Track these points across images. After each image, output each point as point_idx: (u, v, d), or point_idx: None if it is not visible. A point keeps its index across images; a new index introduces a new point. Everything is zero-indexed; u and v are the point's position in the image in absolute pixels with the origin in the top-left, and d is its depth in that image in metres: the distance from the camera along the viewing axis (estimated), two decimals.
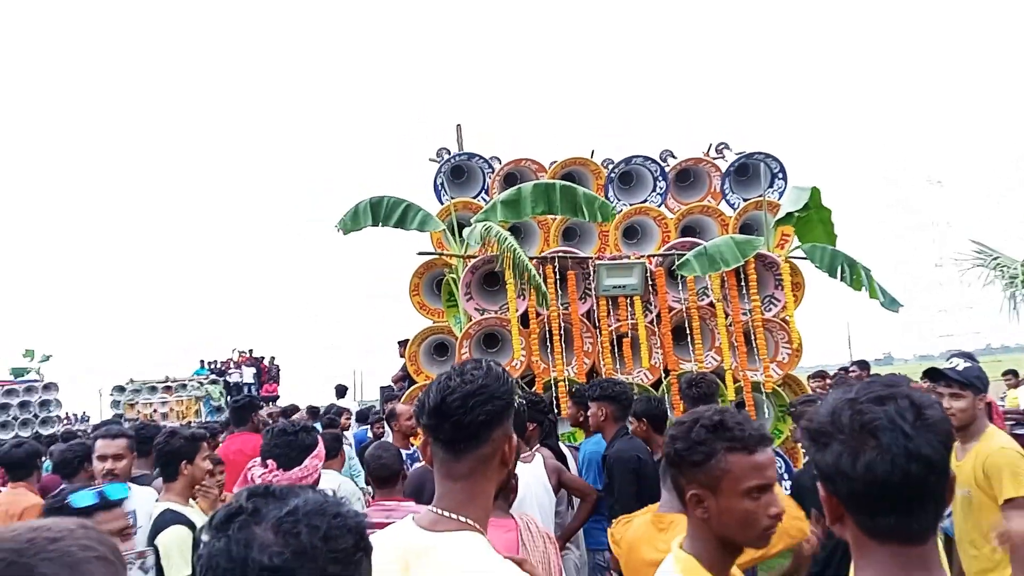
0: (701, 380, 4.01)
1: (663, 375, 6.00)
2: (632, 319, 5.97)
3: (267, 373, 20.66)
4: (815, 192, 5.77)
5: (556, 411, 5.35)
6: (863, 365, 9.80)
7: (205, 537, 0.94)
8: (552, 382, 5.74)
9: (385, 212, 5.72)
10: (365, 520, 1.02)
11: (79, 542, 0.88)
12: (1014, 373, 10.18)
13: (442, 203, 6.40)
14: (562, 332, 5.88)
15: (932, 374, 3.09)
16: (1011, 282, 10.08)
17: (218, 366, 20.57)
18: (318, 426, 6.30)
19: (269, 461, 2.72)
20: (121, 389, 19.21)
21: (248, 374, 20.22)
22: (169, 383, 19.16)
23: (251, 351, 21.01)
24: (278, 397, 18.79)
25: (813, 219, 5.97)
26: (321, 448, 2.83)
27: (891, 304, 6.03)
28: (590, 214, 5.62)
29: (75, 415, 20.31)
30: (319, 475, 2.77)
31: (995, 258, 10.59)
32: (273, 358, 20.86)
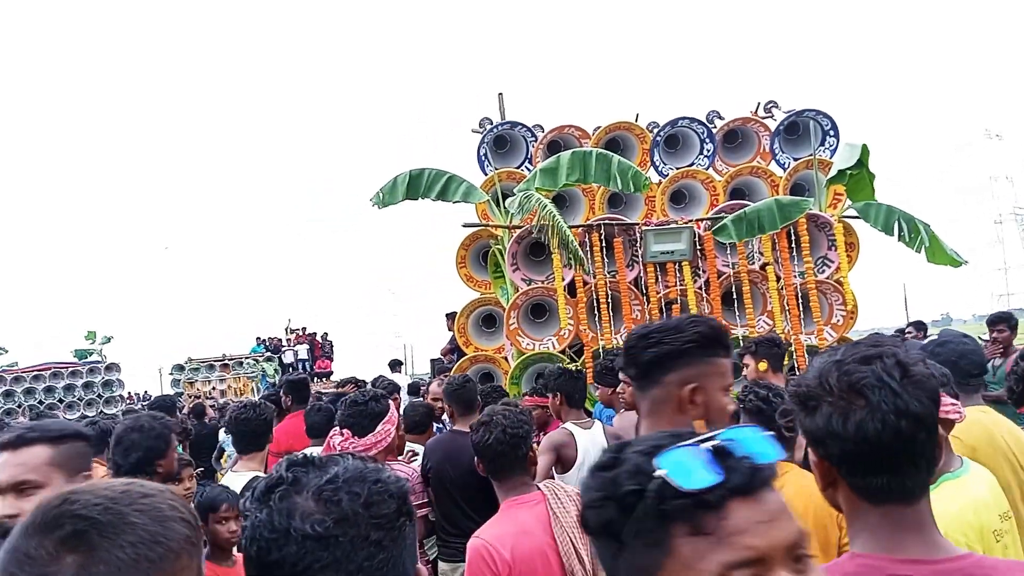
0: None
1: None
2: (681, 285, 5.90)
3: (320, 349, 21.06)
4: (864, 149, 5.58)
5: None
6: (919, 326, 9.47)
7: (247, 509, 0.95)
8: (601, 350, 5.72)
9: (426, 185, 5.73)
10: (408, 486, 1.02)
11: (168, 502, 0.91)
12: None
13: (486, 174, 6.39)
14: (609, 300, 5.86)
15: None
16: None
17: (273, 344, 21.06)
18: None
19: (344, 430, 2.82)
20: (180, 368, 19.88)
21: (302, 351, 20.65)
22: (226, 361, 19.73)
23: (304, 328, 21.45)
24: (331, 373, 19.16)
25: (865, 177, 5.78)
26: (393, 414, 2.92)
27: (955, 259, 5.83)
28: (623, 183, 5.53)
29: (137, 394, 21.11)
30: (392, 440, 2.85)
31: None
32: (326, 334, 21.26)
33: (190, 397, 16.81)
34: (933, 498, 2.09)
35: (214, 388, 18.86)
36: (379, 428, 2.80)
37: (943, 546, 1.11)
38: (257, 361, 19.73)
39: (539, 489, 2.53)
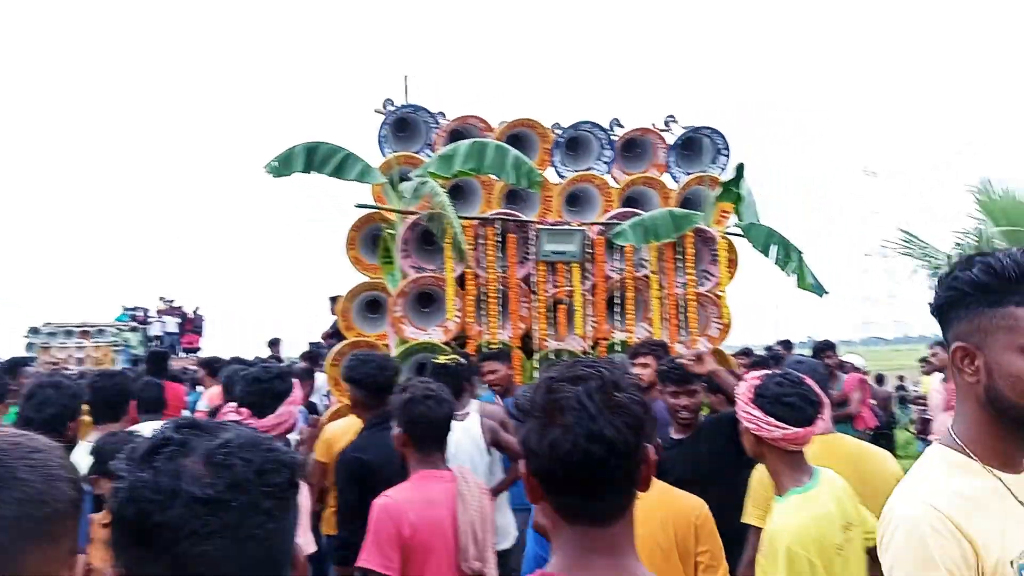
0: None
1: (592, 344, 6.04)
2: (569, 286, 5.97)
3: (190, 324, 20.10)
4: (739, 168, 5.84)
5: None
6: (787, 345, 10.12)
7: (122, 469, 0.88)
8: (485, 346, 5.69)
9: (321, 159, 5.51)
10: (299, 457, 1.02)
11: (58, 460, 0.88)
12: (928, 361, 10.63)
13: (384, 156, 6.22)
14: (499, 295, 5.84)
15: None
16: (935, 272, 10.51)
17: (141, 314, 19.88)
18: None
19: (242, 409, 2.64)
20: (35, 331, 18.36)
21: (171, 324, 19.66)
22: (86, 328, 18.38)
23: (173, 301, 20.38)
24: (199, 349, 18.31)
25: (748, 197, 6.05)
26: (296, 394, 2.76)
27: (817, 289, 6.18)
28: (516, 177, 5.55)
29: None
30: (295, 422, 2.72)
31: (922, 248, 11.02)
32: (197, 309, 20.26)
33: (46, 364, 15.55)
34: (778, 512, 2.19)
35: (71, 356, 17.53)
36: (281, 409, 2.66)
37: (633, 571, 1.12)
38: (121, 331, 18.52)
39: (450, 469, 2.60)
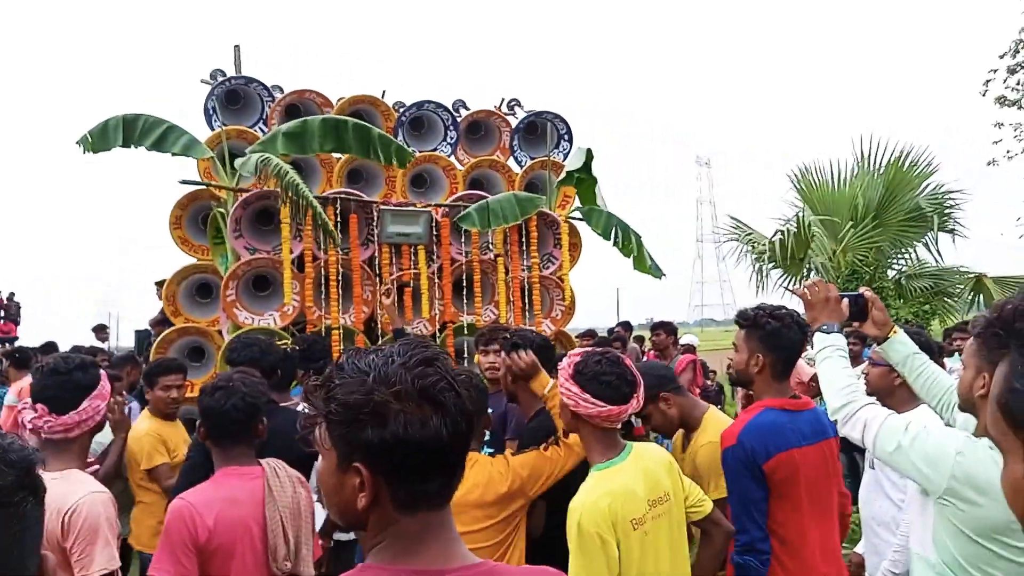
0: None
1: (440, 327, 5.98)
2: (415, 269, 5.86)
3: (5, 311, 18.18)
4: (589, 153, 5.98)
5: (330, 358, 5.12)
6: (627, 326, 10.60)
7: None
8: (326, 329, 5.48)
9: (141, 131, 5.08)
10: (37, 456, 0.85)
11: None
12: None
13: (213, 129, 5.81)
14: (340, 278, 5.64)
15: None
16: (760, 257, 11.33)
17: None
18: None
19: (39, 405, 2.31)
20: None
21: None
22: None
23: None
24: (16, 338, 16.61)
25: (592, 182, 6.20)
26: (104, 387, 2.43)
27: (655, 271, 6.46)
28: (386, 157, 5.39)
29: None
30: (103, 418, 2.40)
31: (748, 234, 11.84)
32: (12, 294, 18.34)
33: None
34: (581, 488, 2.21)
35: None
36: (85, 404, 2.35)
37: (459, 552, 1.12)
38: None
39: (260, 464, 2.45)
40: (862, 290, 2.54)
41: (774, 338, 2.57)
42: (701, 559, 2.50)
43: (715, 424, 2.85)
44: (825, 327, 2.38)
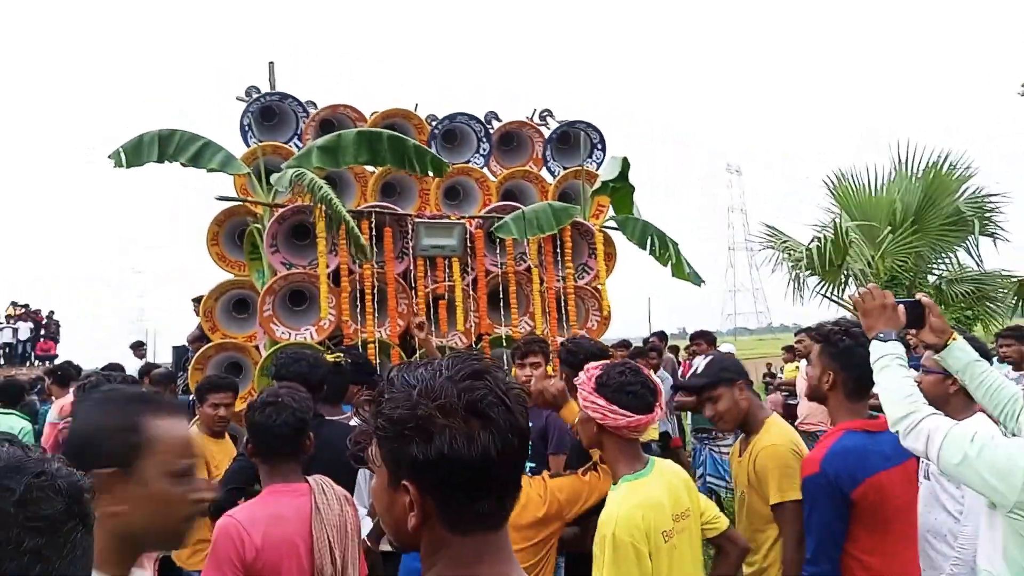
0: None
1: (475, 339, 5.94)
2: (450, 281, 5.84)
3: (45, 329, 18.58)
4: (625, 162, 5.92)
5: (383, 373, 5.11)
6: (662, 336, 10.50)
7: None
8: (362, 343, 5.47)
9: (177, 147, 5.11)
10: (86, 482, 0.80)
11: None
12: (790, 349, 11.25)
13: (248, 145, 5.86)
14: (375, 292, 5.63)
15: (679, 389, 3.11)
16: (796, 264, 11.15)
17: None
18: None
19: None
20: None
21: (23, 329, 18.12)
22: None
23: (27, 305, 18.76)
24: (56, 356, 16.94)
25: (627, 191, 6.13)
26: None
27: (695, 278, 6.36)
28: (421, 167, 5.38)
29: None
30: None
31: (784, 241, 11.66)
32: (52, 313, 18.73)
33: None
34: (610, 499, 2.19)
35: None
36: None
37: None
38: None
39: (307, 481, 2.42)
40: (918, 296, 2.45)
41: (846, 356, 2.49)
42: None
43: (778, 429, 2.79)
44: (882, 335, 2.29)
